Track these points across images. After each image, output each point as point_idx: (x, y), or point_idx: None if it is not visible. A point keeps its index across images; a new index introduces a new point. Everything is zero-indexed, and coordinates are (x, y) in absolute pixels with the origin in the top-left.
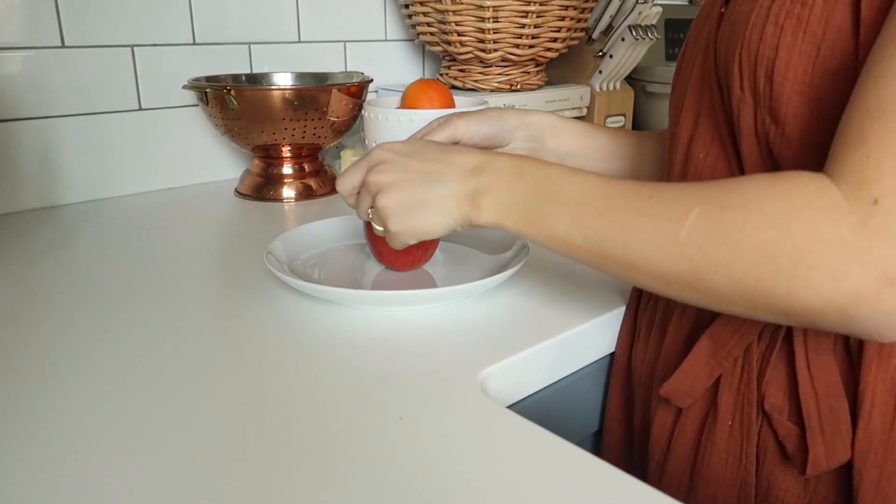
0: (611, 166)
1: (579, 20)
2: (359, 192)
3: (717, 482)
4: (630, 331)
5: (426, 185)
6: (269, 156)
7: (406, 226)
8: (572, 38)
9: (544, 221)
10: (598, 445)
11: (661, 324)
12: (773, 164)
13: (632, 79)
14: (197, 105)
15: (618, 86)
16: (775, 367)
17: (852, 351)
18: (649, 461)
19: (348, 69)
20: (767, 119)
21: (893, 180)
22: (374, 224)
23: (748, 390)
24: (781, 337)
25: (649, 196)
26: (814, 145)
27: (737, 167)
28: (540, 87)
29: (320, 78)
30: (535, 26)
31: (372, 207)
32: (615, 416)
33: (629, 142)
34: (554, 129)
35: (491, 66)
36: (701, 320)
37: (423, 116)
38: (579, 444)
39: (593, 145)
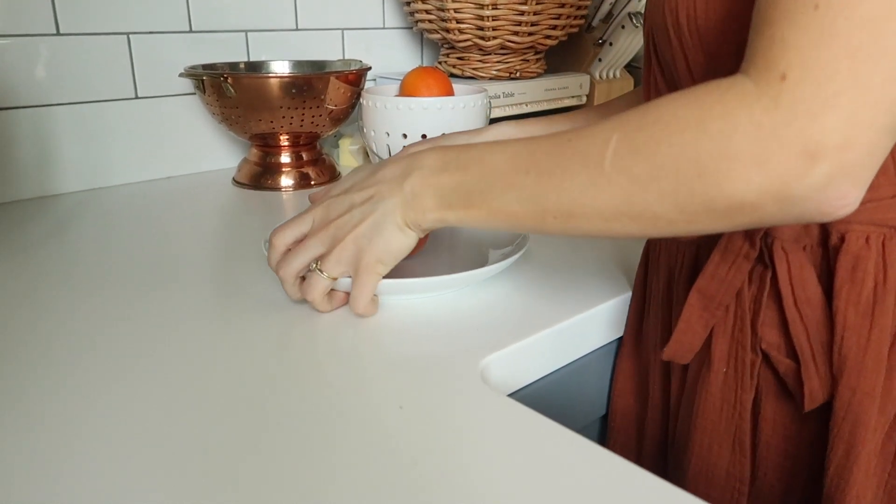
0: None
1: (579, 7)
2: (293, 249)
3: (712, 430)
4: (637, 314)
5: (372, 209)
6: (266, 144)
7: (377, 254)
8: (572, 26)
9: (480, 199)
10: (599, 433)
11: (665, 301)
12: None
13: (632, 67)
14: (194, 93)
15: (618, 74)
16: (768, 307)
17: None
18: (669, 426)
19: (346, 57)
20: (701, 58)
21: (798, 53)
22: (317, 274)
23: (742, 335)
24: (770, 277)
25: (569, 139)
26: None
27: None
28: (539, 75)
29: (318, 66)
30: (535, 13)
31: (319, 261)
32: (623, 402)
33: (588, 121)
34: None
35: (490, 54)
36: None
37: (422, 104)
38: (580, 432)
39: None
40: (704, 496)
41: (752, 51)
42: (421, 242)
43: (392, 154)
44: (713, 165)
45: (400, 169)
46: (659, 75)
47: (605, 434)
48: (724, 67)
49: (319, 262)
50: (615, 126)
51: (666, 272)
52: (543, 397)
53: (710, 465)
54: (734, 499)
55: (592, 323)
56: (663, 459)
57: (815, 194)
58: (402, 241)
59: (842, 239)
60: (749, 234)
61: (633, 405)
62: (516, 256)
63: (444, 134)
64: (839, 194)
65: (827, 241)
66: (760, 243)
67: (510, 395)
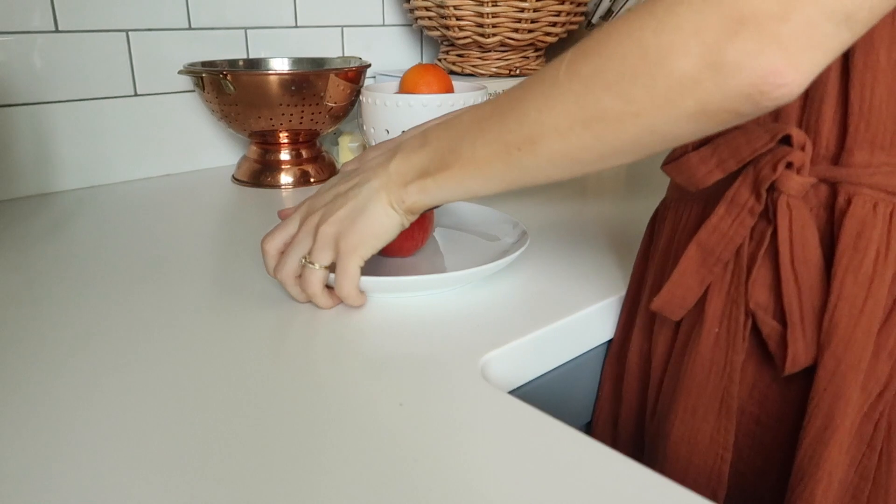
0: None
1: (579, 4)
2: (289, 247)
3: (698, 393)
4: (637, 283)
5: (356, 193)
6: (266, 142)
7: (359, 236)
8: (572, 23)
9: (452, 157)
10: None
11: (662, 258)
12: None
13: None
14: (193, 91)
15: None
16: (762, 266)
17: (834, 243)
18: (649, 390)
19: (346, 54)
20: None
21: None
22: (309, 267)
23: (737, 294)
24: (769, 234)
25: (529, 78)
26: None
27: None
28: None
29: (317, 63)
30: (534, 10)
31: (308, 254)
32: (609, 370)
33: None
34: None
35: (490, 51)
36: None
37: (422, 101)
38: (581, 429)
39: None
40: (686, 462)
41: None
42: (422, 239)
43: None
44: (654, 42)
45: (383, 153)
46: None
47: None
48: None
49: (308, 255)
50: (573, 47)
51: (670, 228)
52: (544, 394)
53: (693, 431)
54: (716, 466)
55: (593, 320)
56: (639, 434)
57: (749, 63)
58: (384, 222)
59: (848, 201)
60: (756, 186)
61: (616, 371)
62: (517, 254)
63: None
64: (773, 68)
65: (833, 205)
66: (766, 196)
67: (510, 393)
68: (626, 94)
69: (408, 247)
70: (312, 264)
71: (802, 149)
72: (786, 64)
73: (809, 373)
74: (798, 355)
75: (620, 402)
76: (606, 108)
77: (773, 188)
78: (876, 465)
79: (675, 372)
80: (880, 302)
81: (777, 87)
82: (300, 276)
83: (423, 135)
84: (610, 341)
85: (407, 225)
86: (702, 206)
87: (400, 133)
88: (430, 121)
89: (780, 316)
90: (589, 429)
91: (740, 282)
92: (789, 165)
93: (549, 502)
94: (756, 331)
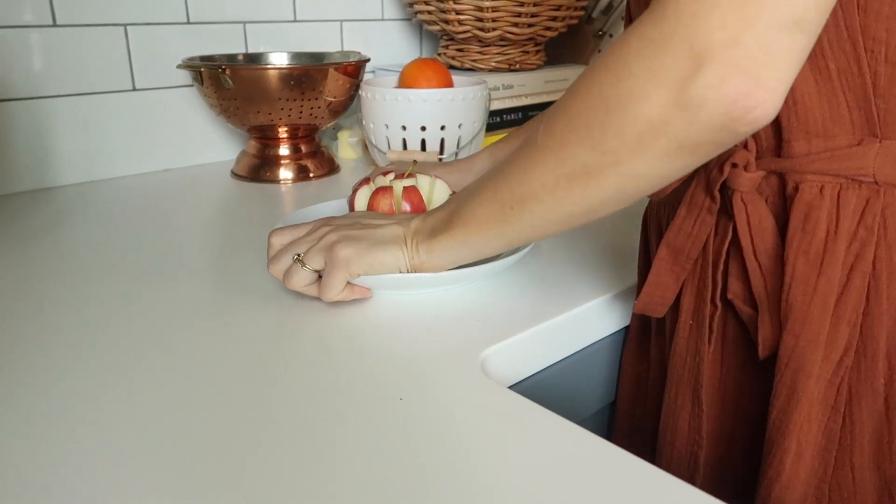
0: None
1: None
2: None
3: (677, 382)
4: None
5: (373, 232)
6: (265, 137)
7: (358, 253)
8: (572, 17)
9: (456, 218)
10: (599, 424)
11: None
12: None
13: None
14: (192, 85)
15: None
16: (734, 258)
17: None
18: (648, 382)
19: (345, 49)
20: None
21: None
22: (297, 265)
23: (702, 287)
24: (731, 228)
25: (520, 145)
26: None
27: None
28: (539, 66)
29: (316, 58)
30: (535, 5)
31: (299, 256)
32: (626, 389)
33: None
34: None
35: (489, 46)
36: None
37: (422, 96)
38: (580, 423)
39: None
40: (670, 447)
41: None
42: None
43: (391, 147)
44: (614, 91)
45: (405, 218)
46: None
47: (605, 426)
48: None
49: (304, 254)
50: (554, 104)
51: (656, 231)
52: (544, 389)
53: (675, 418)
54: (693, 451)
55: (592, 315)
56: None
57: (714, 96)
58: (388, 258)
59: (796, 188)
60: (709, 187)
61: (637, 387)
62: (523, 253)
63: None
64: (740, 94)
65: (784, 190)
66: (721, 195)
67: (510, 387)
68: (600, 145)
69: None
70: (301, 262)
71: (745, 147)
72: (752, 86)
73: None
74: (767, 339)
75: (641, 398)
76: (585, 160)
77: (725, 186)
78: (841, 427)
79: (665, 365)
80: (833, 277)
81: (749, 110)
82: (287, 270)
83: (441, 209)
84: (610, 336)
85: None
86: (677, 207)
87: (400, 128)
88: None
89: (754, 304)
90: (588, 423)
91: (706, 275)
92: (735, 165)
93: (549, 496)
94: (734, 319)
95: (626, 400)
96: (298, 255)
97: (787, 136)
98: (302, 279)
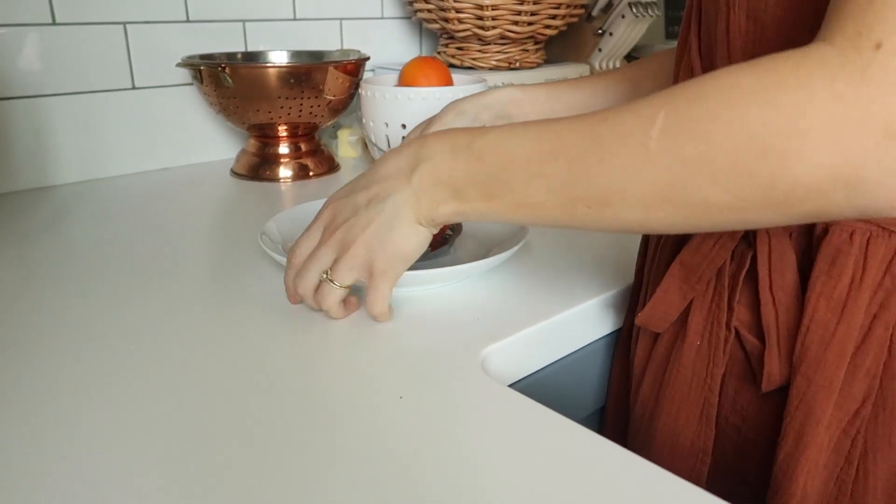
0: None
1: None
2: (309, 259)
3: (681, 401)
4: (636, 297)
5: (380, 209)
6: (264, 135)
7: (391, 260)
8: (572, 16)
9: (501, 190)
10: (599, 424)
11: (657, 276)
12: None
13: (632, 57)
14: (191, 84)
15: (617, 64)
16: (745, 286)
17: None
18: (631, 387)
19: (344, 47)
20: (743, 21)
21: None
22: (328, 284)
23: (718, 310)
24: (750, 258)
25: (604, 118)
26: (798, 42)
27: None
28: (539, 65)
29: (316, 56)
30: (534, 3)
31: (328, 270)
32: (617, 387)
33: (595, 90)
34: (516, 102)
35: (489, 44)
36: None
37: (421, 94)
38: (581, 422)
39: (558, 106)
40: (668, 465)
41: (840, 15)
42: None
43: (391, 146)
44: (779, 143)
45: (405, 160)
46: (695, 34)
47: (600, 426)
48: (766, 35)
49: (330, 272)
50: (662, 102)
51: (660, 245)
52: (544, 388)
53: (675, 435)
54: (696, 469)
55: (592, 314)
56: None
57: (889, 180)
58: (415, 241)
59: (825, 230)
60: None
61: (625, 388)
62: (515, 248)
63: (450, 105)
64: None
65: (812, 231)
66: None
67: (511, 386)
68: (738, 190)
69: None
70: (333, 282)
71: None
72: None
73: (787, 389)
74: (773, 374)
75: (627, 396)
76: (709, 198)
77: None
78: (853, 479)
79: (658, 378)
80: (854, 326)
81: None
82: (317, 290)
83: (452, 142)
84: (608, 335)
85: (435, 233)
86: None
87: (400, 126)
88: (448, 110)
89: (761, 334)
90: (590, 421)
91: (721, 300)
92: None
93: (549, 495)
94: (738, 345)
95: (616, 401)
96: (327, 273)
97: None
98: (337, 298)
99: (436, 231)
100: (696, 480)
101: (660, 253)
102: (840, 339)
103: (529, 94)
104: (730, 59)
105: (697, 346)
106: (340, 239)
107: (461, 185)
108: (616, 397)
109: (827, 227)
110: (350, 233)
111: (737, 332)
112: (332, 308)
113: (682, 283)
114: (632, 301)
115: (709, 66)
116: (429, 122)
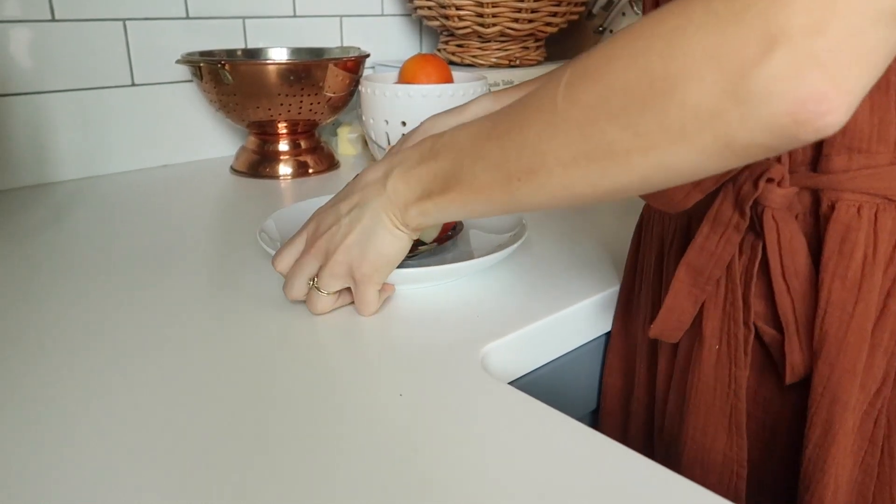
0: None
1: None
2: (295, 266)
3: (706, 412)
4: (627, 291)
5: (358, 216)
6: (264, 132)
7: (372, 265)
8: (572, 13)
9: (453, 180)
10: (594, 424)
11: (656, 276)
12: None
13: None
14: (191, 81)
15: None
16: (759, 278)
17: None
18: (656, 410)
19: (344, 44)
20: None
21: None
22: (315, 292)
23: (734, 309)
24: (761, 247)
25: (529, 94)
26: None
27: None
28: (539, 62)
29: (316, 53)
30: (535, 0)
31: (315, 277)
32: (612, 381)
33: None
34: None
35: (489, 42)
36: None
37: (422, 92)
38: (581, 420)
39: None
40: (701, 482)
41: None
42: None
43: (391, 143)
44: (662, 67)
45: (382, 170)
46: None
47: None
48: None
49: (316, 280)
50: (570, 63)
51: (658, 245)
52: (544, 385)
53: (705, 450)
54: (732, 483)
55: (593, 311)
56: (649, 442)
57: (781, 90)
58: (394, 245)
59: (832, 207)
60: (739, 203)
61: (621, 384)
62: (516, 245)
63: (428, 119)
64: (813, 93)
65: (818, 209)
66: (751, 212)
67: (511, 383)
68: (635, 126)
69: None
70: (320, 290)
71: (779, 160)
72: (829, 86)
73: (810, 378)
74: (796, 365)
75: (626, 378)
76: (613, 141)
77: (755, 202)
78: (879, 461)
79: (680, 390)
80: (871, 304)
81: (820, 114)
82: (307, 297)
83: (419, 148)
84: (608, 333)
85: (414, 238)
86: (685, 219)
87: (400, 124)
88: (425, 123)
89: (778, 325)
90: (589, 419)
91: (735, 297)
92: (770, 180)
93: (550, 492)
94: (757, 338)
95: (611, 402)
96: (313, 282)
97: (827, 150)
98: (326, 305)
99: (415, 236)
100: (732, 495)
101: (667, 258)
102: (859, 319)
103: (503, 101)
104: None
105: (716, 350)
106: (324, 248)
107: (426, 184)
108: (611, 398)
109: (833, 204)
110: (332, 241)
111: (756, 325)
112: (325, 312)
113: (691, 287)
114: (620, 300)
115: None
116: (405, 137)
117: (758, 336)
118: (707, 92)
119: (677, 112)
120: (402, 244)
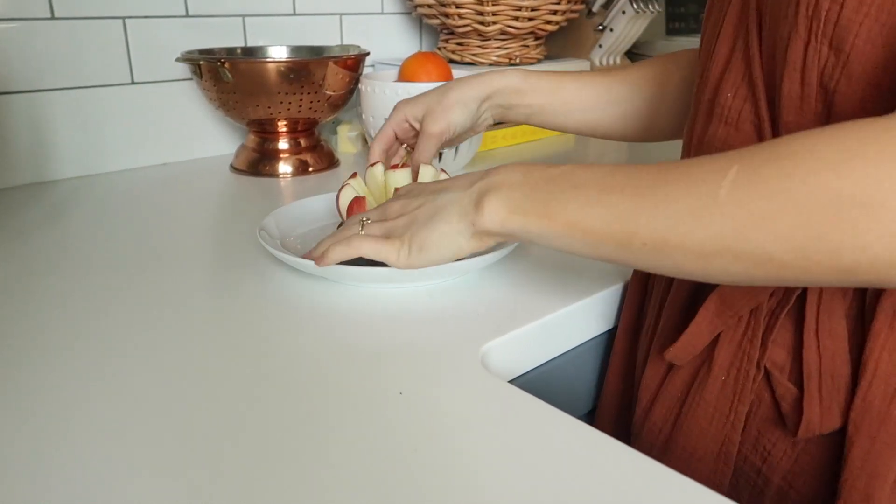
0: (577, 118)
1: None
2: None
3: (698, 436)
4: (638, 295)
5: (434, 198)
6: (264, 130)
7: (421, 240)
8: (572, 11)
9: (557, 208)
10: (592, 423)
11: (666, 287)
12: (822, 105)
13: (632, 53)
14: (191, 79)
15: (618, 60)
16: (783, 326)
17: (866, 318)
18: (636, 405)
19: (344, 43)
20: (825, 50)
21: None
22: (356, 228)
23: (750, 347)
24: (795, 296)
25: (677, 166)
26: (880, 87)
27: (765, 110)
28: (539, 61)
29: (316, 51)
30: None
31: (367, 220)
32: (613, 388)
33: (598, 90)
34: (519, 93)
35: (489, 40)
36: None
37: (421, 90)
38: (581, 418)
39: (557, 101)
40: None
41: None
42: None
43: None
44: (852, 212)
45: (478, 173)
46: (756, 46)
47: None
48: (850, 69)
49: (368, 221)
50: (737, 157)
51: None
52: (545, 383)
53: (689, 471)
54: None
55: (594, 309)
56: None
57: None
58: (452, 241)
59: None
60: None
61: (621, 387)
62: (516, 244)
63: (445, 87)
64: None
65: None
66: None
67: (511, 382)
68: (802, 251)
69: None
70: (361, 231)
71: None
72: None
73: (820, 437)
74: (812, 422)
75: (625, 381)
76: (772, 254)
77: None
78: None
79: (672, 408)
80: None
81: None
82: (342, 233)
83: (526, 170)
84: (609, 331)
85: (476, 247)
86: None
87: None
88: (444, 104)
89: (797, 379)
90: (590, 418)
91: (755, 336)
92: None
93: (550, 490)
94: (766, 385)
95: (610, 401)
96: (364, 221)
97: None
98: (350, 240)
99: (482, 247)
100: None
101: (688, 283)
102: None
103: (532, 84)
104: (802, 86)
105: (722, 381)
106: (397, 209)
107: (519, 199)
108: (610, 396)
109: None
110: (406, 206)
111: (766, 371)
112: (335, 248)
113: (714, 316)
114: (630, 300)
115: (770, 84)
116: (417, 100)
117: (769, 384)
118: (892, 246)
119: (852, 255)
120: (459, 243)
